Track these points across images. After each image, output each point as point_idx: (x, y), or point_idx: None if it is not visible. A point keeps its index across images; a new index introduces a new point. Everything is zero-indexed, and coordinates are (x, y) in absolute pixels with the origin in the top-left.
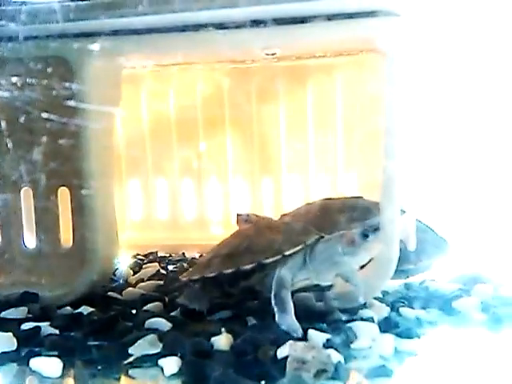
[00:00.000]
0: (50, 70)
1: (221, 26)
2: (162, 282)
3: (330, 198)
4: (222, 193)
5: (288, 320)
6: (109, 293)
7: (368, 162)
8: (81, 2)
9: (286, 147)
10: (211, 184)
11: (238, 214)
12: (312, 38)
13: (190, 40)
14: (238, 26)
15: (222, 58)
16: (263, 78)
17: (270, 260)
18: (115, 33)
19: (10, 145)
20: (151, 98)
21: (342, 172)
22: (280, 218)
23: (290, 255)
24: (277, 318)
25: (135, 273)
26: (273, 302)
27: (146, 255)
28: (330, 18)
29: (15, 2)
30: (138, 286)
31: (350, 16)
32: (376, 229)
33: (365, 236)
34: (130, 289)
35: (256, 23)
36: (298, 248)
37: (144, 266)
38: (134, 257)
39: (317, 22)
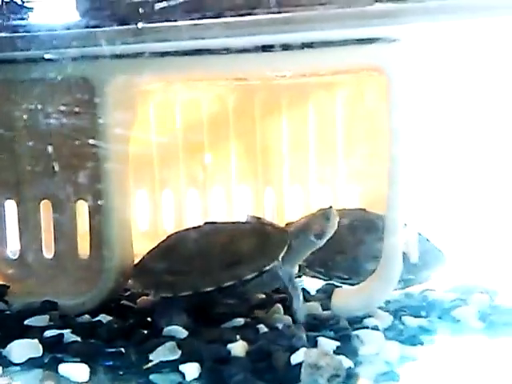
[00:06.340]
0: (70, 89)
1: (231, 50)
2: None
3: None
4: (225, 203)
5: (300, 305)
6: (123, 301)
7: (368, 176)
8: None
9: (288, 160)
10: (215, 194)
11: (247, 215)
12: (317, 63)
13: (205, 63)
14: (248, 50)
15: (227, 76)
16: (266, 94)
17: (250, 276)
18: (133, 55)
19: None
20: (158, 112)
21: (342, 185)
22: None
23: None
24: (293, 304)
25: None
26: (289, 288)
27: None
28: (334, 44)
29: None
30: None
31: (354, 42)
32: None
33: (327, 219)
34: (144, 297)
35: (265, 48)
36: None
37: None
38: None
39: (322, 48)
